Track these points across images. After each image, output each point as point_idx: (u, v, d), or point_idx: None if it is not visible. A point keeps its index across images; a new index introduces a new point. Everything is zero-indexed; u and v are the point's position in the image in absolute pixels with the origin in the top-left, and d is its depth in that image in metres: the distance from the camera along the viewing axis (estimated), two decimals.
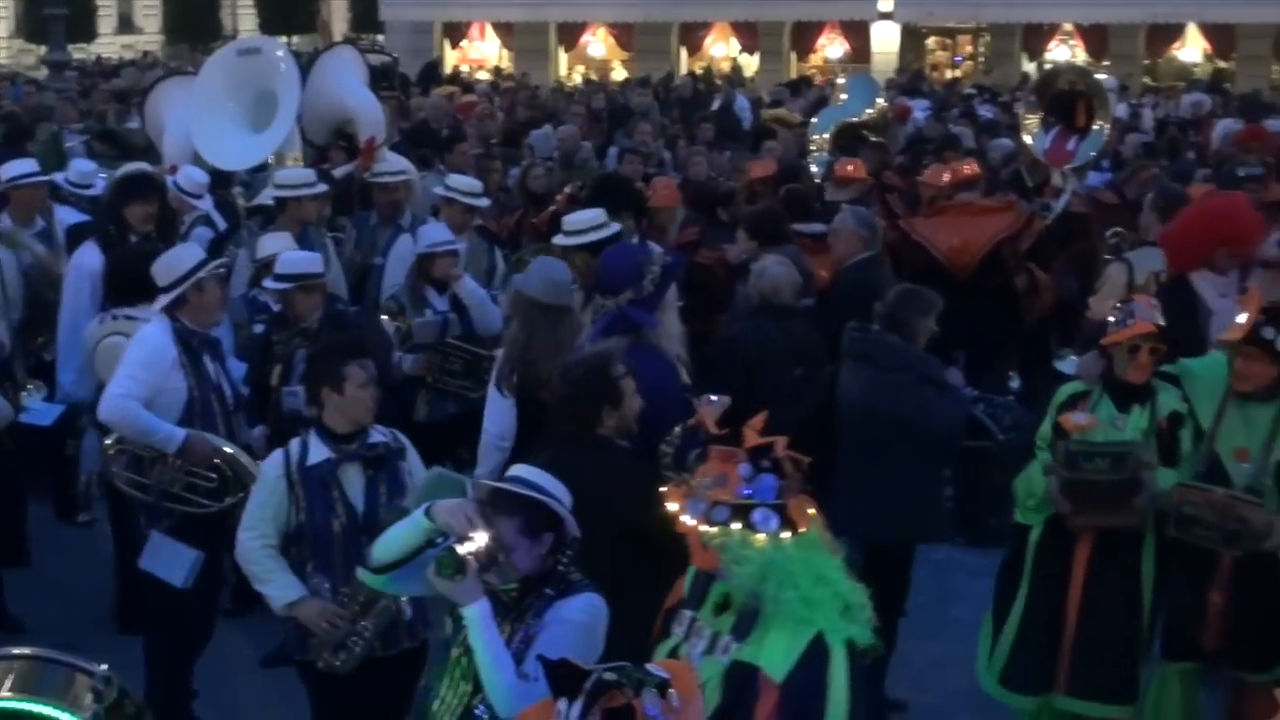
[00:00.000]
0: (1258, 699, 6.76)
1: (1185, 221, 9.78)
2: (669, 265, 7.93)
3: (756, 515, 4.58)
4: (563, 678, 3.88)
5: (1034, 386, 12.24)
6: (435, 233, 10.23)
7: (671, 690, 3.88)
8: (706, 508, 4.62)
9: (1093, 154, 14.11)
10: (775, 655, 4.57)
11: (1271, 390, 7.12)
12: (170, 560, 7.72)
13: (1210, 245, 9.27)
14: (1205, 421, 7.28)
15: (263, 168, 12.25)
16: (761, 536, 4.58)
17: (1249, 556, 7.07)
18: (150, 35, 58.17)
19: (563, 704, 3.86)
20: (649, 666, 3.96)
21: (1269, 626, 7.11)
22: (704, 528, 4.62)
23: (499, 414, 7.83)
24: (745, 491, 4.61)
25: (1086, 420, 7.34)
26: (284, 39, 40.51)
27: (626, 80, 32.21)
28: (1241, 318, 7.12)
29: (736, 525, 4.59)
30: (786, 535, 4.59)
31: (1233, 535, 7.00)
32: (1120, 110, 20.91)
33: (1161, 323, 7.31)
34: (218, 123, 11.90)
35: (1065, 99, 14.56)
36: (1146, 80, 33.60)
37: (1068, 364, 10.51)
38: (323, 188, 11.02)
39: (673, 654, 4.73)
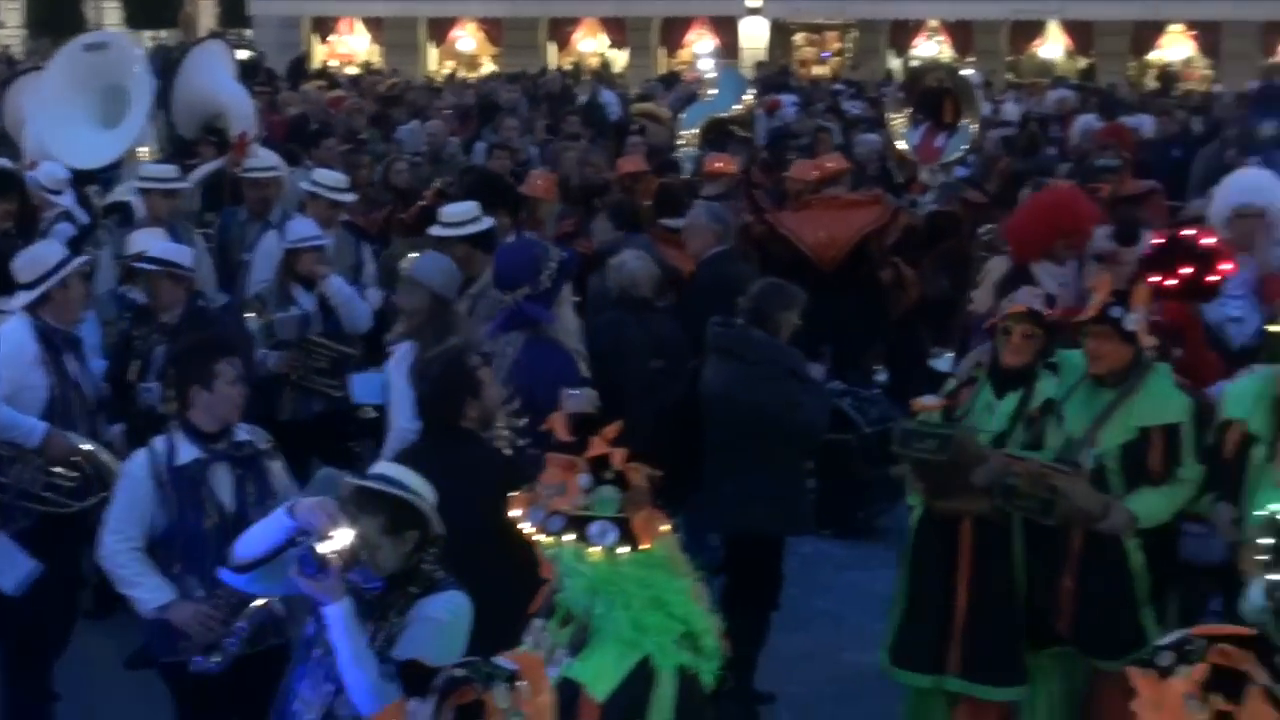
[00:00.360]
0: (1108, 685, 6.90)
1: (1026, 213, 10.06)
2: (565, 261, 8.03)
3: (593, 528, 4.39)
4: (412, 677, 3.85)
5: (900, 380, 12.38)
6: (301, 228, 10.14)
7: (521, 682, 3.87)
8: (544, 516, 4.44)
9: (963, 149, 14.30)
10: (600, 674, 4.42)
11: (1124, 374, 7.26)
12: (4, 564, 7.57)
13: (1050, 236, 9.52)
14: (1072, 411, 7.40)
15: (118, 164, 12.08)
16: (596, 550, 4.38)
17: (1095, 541, 7.21)
18: (11, 30, 57.14)
19: (414, 703, 3.82)
20: (497, 659, 3.92)
21: (1114, 612, 7.24)
22: (540, 537, 4.45)
23: (412, 406, 7.80)
24: (583, 503, 4.42)
25: (934, 402, 7.50)
26: (148, 34, 40.04)
27: (495, 75, 32.12)
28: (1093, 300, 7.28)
29: (570, 537, 4.40)
30: (624, 551, 4.40)
31: (1047, 505, 7.09)
32: (985, 108, 21.23)
33: (1037, 307, 7.44)
34: (67, 119, 11.73)
35: (933, 96, 14.74)
36: (1010, 76, 34.01)
37: (943, 362, 10.62)
38: (185, 184, 10.91)
39: None
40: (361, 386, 8.94)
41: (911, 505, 7.74)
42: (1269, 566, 6.35)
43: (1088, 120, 19.01)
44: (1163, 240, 8.77)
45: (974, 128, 15.12)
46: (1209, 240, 8.63)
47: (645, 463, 4.54)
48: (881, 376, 12.68)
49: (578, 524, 4.40)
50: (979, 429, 7.42)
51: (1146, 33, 35.77)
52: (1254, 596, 6.51)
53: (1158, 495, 7.14)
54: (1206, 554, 7.44)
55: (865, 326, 12.18)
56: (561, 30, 38.77)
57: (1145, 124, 19.71)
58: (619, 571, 4.42)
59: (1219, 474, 7.04)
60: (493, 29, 38.91)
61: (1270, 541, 6.36)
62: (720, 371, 8.12)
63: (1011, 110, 22.13)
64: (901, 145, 14.77)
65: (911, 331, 12.73)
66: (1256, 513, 6.55)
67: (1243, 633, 3.84)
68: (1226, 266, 8.36)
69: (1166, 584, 7.37)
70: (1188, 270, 8.24)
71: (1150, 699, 3.71)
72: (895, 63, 36.05)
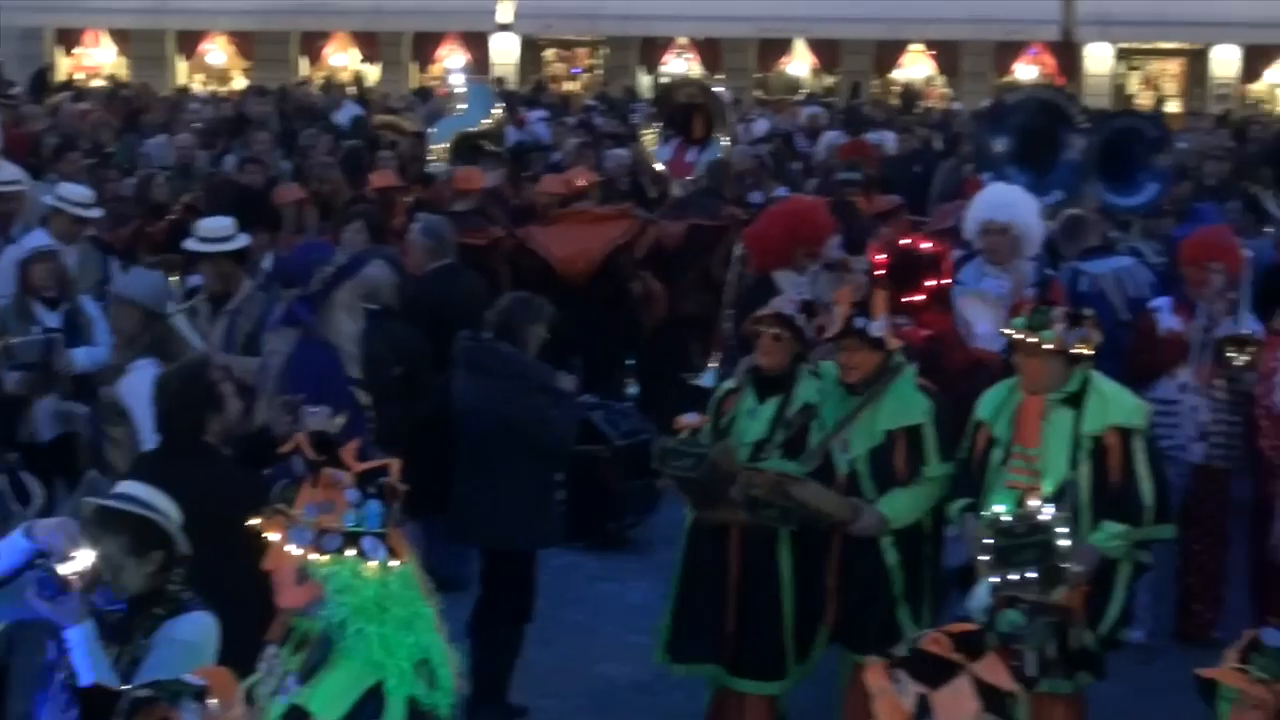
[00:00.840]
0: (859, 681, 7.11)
1: (766, 223, 10.32)
2: (344, 267, 8.18)
3: (366, 543, 4.37)
4: (94, 702, 3.78)
5: (652, 393, 12.50)
6: (34, 240, 9.96)
7: (211, 700, 3.84)
8: (314, 536, 4.38)
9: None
10: (329, 699, 4.35)
11: (872, 380, 7.49)
12: None
13: (789, 245, 9.79)
14: (828, 415, 7.66)
15: None
16: (373, 565, 4.38)
17: (853, 542, 7.49)
18: None
19: None
20: (185, 676, 3.89)
21: (872, 609, 7.49)
22: (314, 556, 4.38)
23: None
24: (353, 519, 4.39)
25: (694, 420, 7.73)
26: None
27: (245, 89, 31.67)
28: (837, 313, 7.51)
29: (351, 553, 4.37)
30: (395, 564, 4.41)
31: (787, 512, 7.40)
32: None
33: (787, 312, 7.70)
34: None
35: (684, 111, 14.94)
36: (758, 94, 34.53)
37: (707, 377, 10.78)
38: None
39: (250, 691, 4.46)
40: None
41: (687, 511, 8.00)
42: (992, 567, 6.61)
43: (833, 136, 19.42)
44: (893, 253, 9.10)
45: (725, 142, 15.38)
46: (928, 245, 9.00)
47: (399, 475, 4.54)
48: (633, 390, 12.79)
49: (352, 540, 4.38)
50: (741, 440, 7.68)
51: (889, 52, 36.62)
52: (979, 595, 6.76)
53: (906, 495, 7.44)
54: (955, 557, 7.72)
55: (616, 339, 12.28)
56: (313, 44, 38.31)
57: (888, 140, 20.19)
58: (389, 588, 4.41)
59: (969, 476, 7.30)
60: (243, 42, 38.31)
61: (992, 542, 6.63)
62: (469, 385, 8.16)
63: (761, 127, 22.47)
64: (656, 162, 14.95)
65: (663, 345, 12.87)
66: (982, 513, 6.82)
67: (965, 629, 4.08)
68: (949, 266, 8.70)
69: (922, 583, 7.63)
70: (931, 283, 8.53)
71: (875, 686, 3.97)
72: (646, 79, 36.35)
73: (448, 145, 15.71)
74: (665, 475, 7.81)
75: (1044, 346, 7.01)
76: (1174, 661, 8.35)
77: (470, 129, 16.14)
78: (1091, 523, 7.05)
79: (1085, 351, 7.09)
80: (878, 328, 7.43)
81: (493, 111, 17.20)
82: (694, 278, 12.85)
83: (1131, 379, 9.27)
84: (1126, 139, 12.97)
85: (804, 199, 11.48)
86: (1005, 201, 9.69)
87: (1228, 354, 8.84)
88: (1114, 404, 7.14)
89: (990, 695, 3.98)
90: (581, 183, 13.54)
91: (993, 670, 4.01)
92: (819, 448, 7.56)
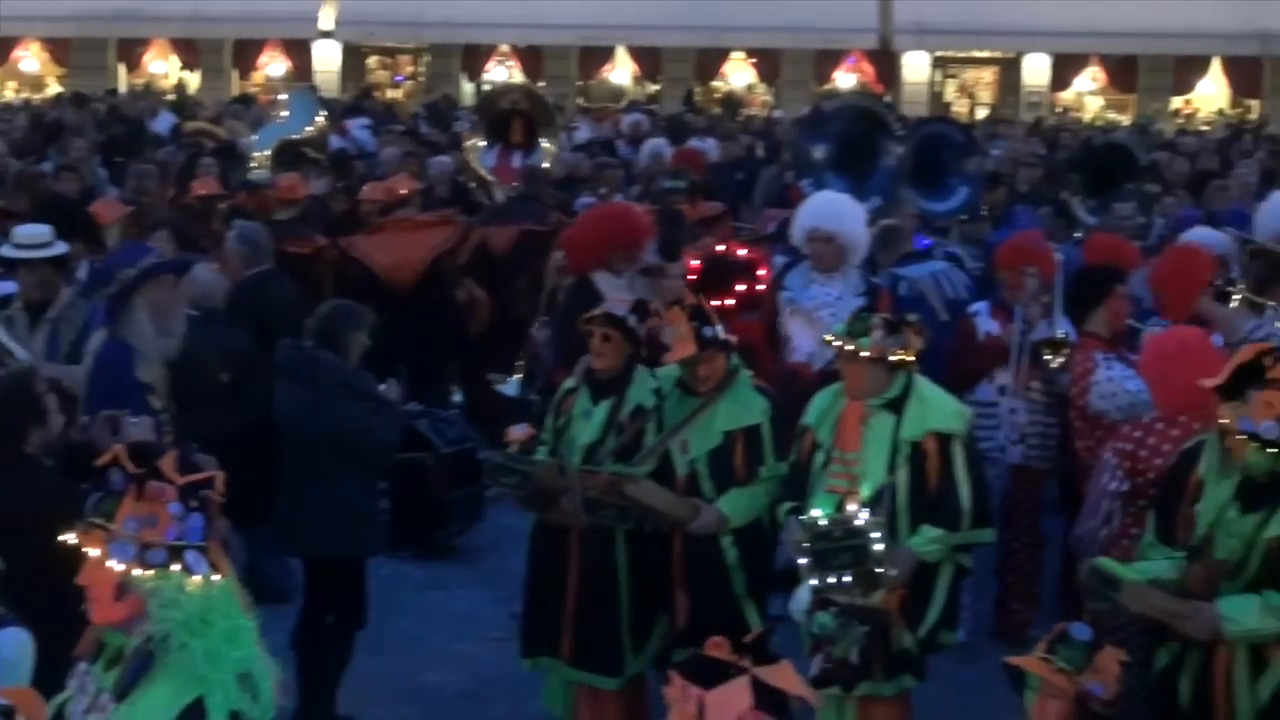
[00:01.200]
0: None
1: (583, 226, 10.40)
2: (147, 269, 8.20)
3: (189, 557, 4.30)
4: None
5: (476, 401, 12.51)
6: None
7: (18, 716, 3.79)
8: (137, 550, 4.27)
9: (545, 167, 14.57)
10: (150, 715, 4.28)
11: (721, 384, 7.57)
12: None
13: (604, 248, 9.87)
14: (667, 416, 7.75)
15: None
16: (197, 579, 4.30)
17: (694, 542, 7.58)
18: None
19: None
20: None
21: (717, 607, 7.56)
22: (137, 571, 4.29)
23: None
24: (175, 534, 4.30)
25: (522, 434, 7.80)
26: None
27: (59, 96, 31.08)
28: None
29: (175, 567, 4.29)
30: (217, 578, 4.34)
31: (624, 511, 7.51)
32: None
33: (617, 313, 7.80)
34: None
35: (506, 118, 14.95)
36: (580, 101, 34.64)
37: (509, 386, 10.78)
38: None
39: (60, 710, 4.41)
40: None
41: None
42: (809, 570, 6.70)
43: (656, 144, 19.50)
44: (707, 260, 9.20)
45: (551, 148, 15.41)
46: (742, 251, 9.12)
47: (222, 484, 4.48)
48: (458, 397, 12.78)
49: (177, 554, 4.30)
50: (574, 442, 7.77)
51: (710, 60, 36.93)
52: (800, 597, 6.85)
53: (745, 494, 7.54)
54: (784, 558, 7.82)
55: (441, 346, 12.26)
56: (131, 51, 37.70)
57: (710, 147, 20.34)
58: (212, 602, 4.34)
59: (797, 479, 7.39)
60: (59, 49, 37.60)
61: (809, 545, 6.72)
62: (291, 394, 8.09)
63: (583, 134, 22.53)
64: (480, 170, 14.94)
65: (495, 351, 12.86)
66: (800, 518, 6.91)
67: (757, 635, 4.23)
68: (763, 273, 8.80)
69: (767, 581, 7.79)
70: (741, 287, 8.62)
71: (669, 698, 4.21)
72: (468, 87, 36.29)
73: (269, 153, 15.58)
74: (498, 486, 7.95)
75: (861, 354, 7.09)
76: (993, 660, 8.49)
77: (293, 136, 16.03)
78: (910, 527, 7.11)
79: (905, 358, 7.17)
80: (719, 330, 7.51)
81: (315, 119, 17.09)
82: (526, 283, 12.87)
83: (951, 382, 9.47)
84: (935, 145, 13.20)
85: (621, 204, 11.54)
86: (832, 210, 9.81)
87: (1044, 356, 9.02)
88: (934, 409, 7.20)
89: (769, 697, 4.05)
90: (403, 190, 13.48)
91: (779, 675, 4.08)
92: (655, 448, 7.63)
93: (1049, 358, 8.92)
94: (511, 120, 15.12)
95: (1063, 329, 9.10)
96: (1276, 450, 6.12)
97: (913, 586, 7.14)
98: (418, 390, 11.49)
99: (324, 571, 8.18)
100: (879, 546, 6.74)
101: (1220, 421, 6.27)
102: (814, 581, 6.80)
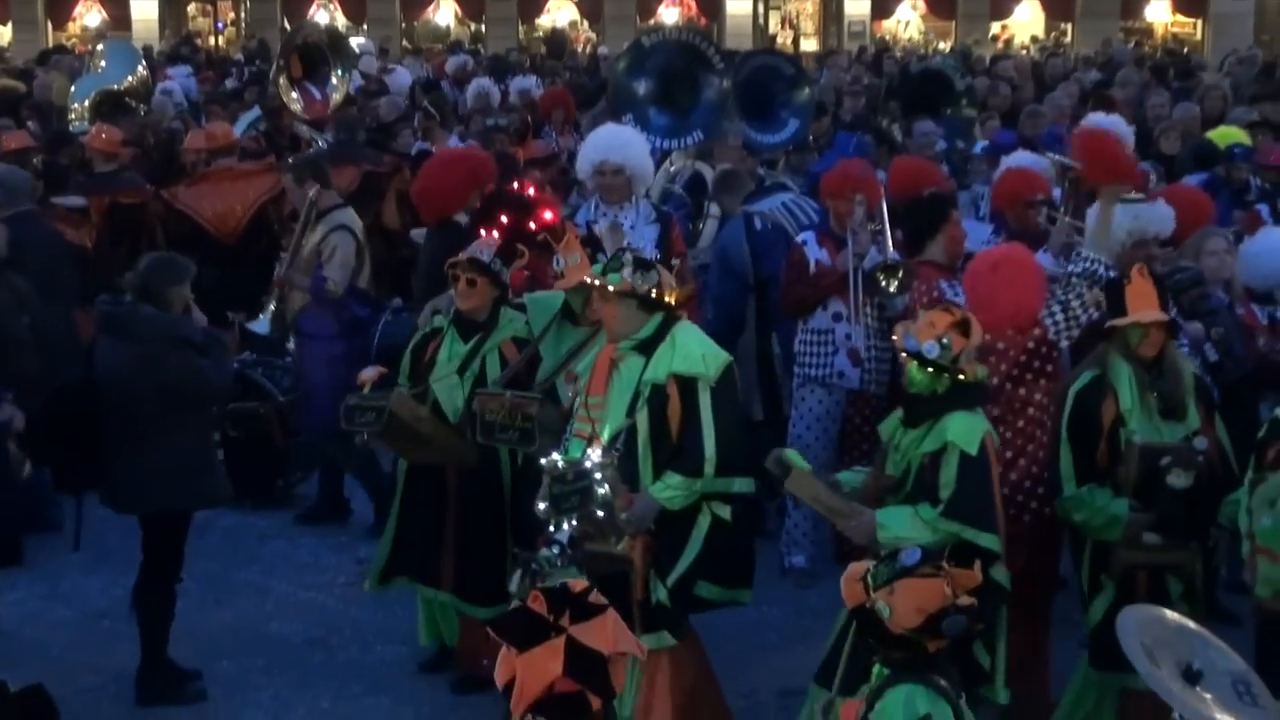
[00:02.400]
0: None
1: (436, 172, 10.37)
2: None
3: None
4: None
5: None
6: None
7: None
8: None
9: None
10: None
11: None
12: None
13: (465, 192, 9.89)
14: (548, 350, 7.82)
15: None
16: None
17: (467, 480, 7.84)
18: None
19: None
20: None
21: (487, 558, 7.82)
22: None
23: None
24: None
25: (372, 374, 7.91)
26: None
27: None
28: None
29: None
30: None
31: (526, 434, 7.50)
32: (374, 69, 21.47)
33: (481, 257, 7.89)
34: None
35: (310, 52, 14.75)
36: (405, 44, 34.34)
37: (259, 325, 10.66)
38: None
39: None
40: None
41: None
42: (548, 513, 6.63)
43: (482, 84, 19.41)
44: (490, 195, 9.32)
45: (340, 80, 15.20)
46: (530, 190, 9.18)
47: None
48: (293, 345, 12.64)
49: None
50: (439, 376, 7.85)
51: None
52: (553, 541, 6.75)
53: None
54: None
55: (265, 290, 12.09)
56: None
57: (533, 86, 20.26)
58: None
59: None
60: None
61: (546, 489, 6.68)
62: (113, 350, 7.87)
63: (404, 77, 22.29)
64: (293, 106, 14.73)
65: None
66: (541, 461, 6.85)
67: (579, 586, 4.21)
68: (548, 216, 8.82)
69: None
70: (505, 219, 8.66)
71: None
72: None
73: (87, 104, 15.29)
74: (355, 432, 7.90)
75: (610, 288, 7.05)
76: (834, 583, 8.66)
77: (112, 87, 15.74)
78: (654, 473, 7.02)
79: (665, 298, 7.11)
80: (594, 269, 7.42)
81: (136, 69, 16.78)
82: (368, 225, 12.81)
83: (787, 311, 9.60)
84: (765, 77, 13.27)
85: (472, 148, 11.48)
86: (617, 142, 9.86)
87: (880, 282, 9.13)
88: (682, 353, 7.06)
89: (583, 658, 3.99)
90: (221, 136, 13.22)
91: (594, 632, 4.03)
92: (547, 379, 7.67)
93: (884, 283, 9.03)
94: (316, 56, 14.92)
95: (894, 254, 9.23)
96: (934, 369, 6.45)
97: (665, 536, 7.07)
98: (250, 338, 11.43)
99: (161, 527, 8.07)
100: (603, 489, 6.61)
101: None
102: (553, 525, 6.78)
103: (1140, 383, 6.95)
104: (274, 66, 15.34)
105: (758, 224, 10.29)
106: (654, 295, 7.06)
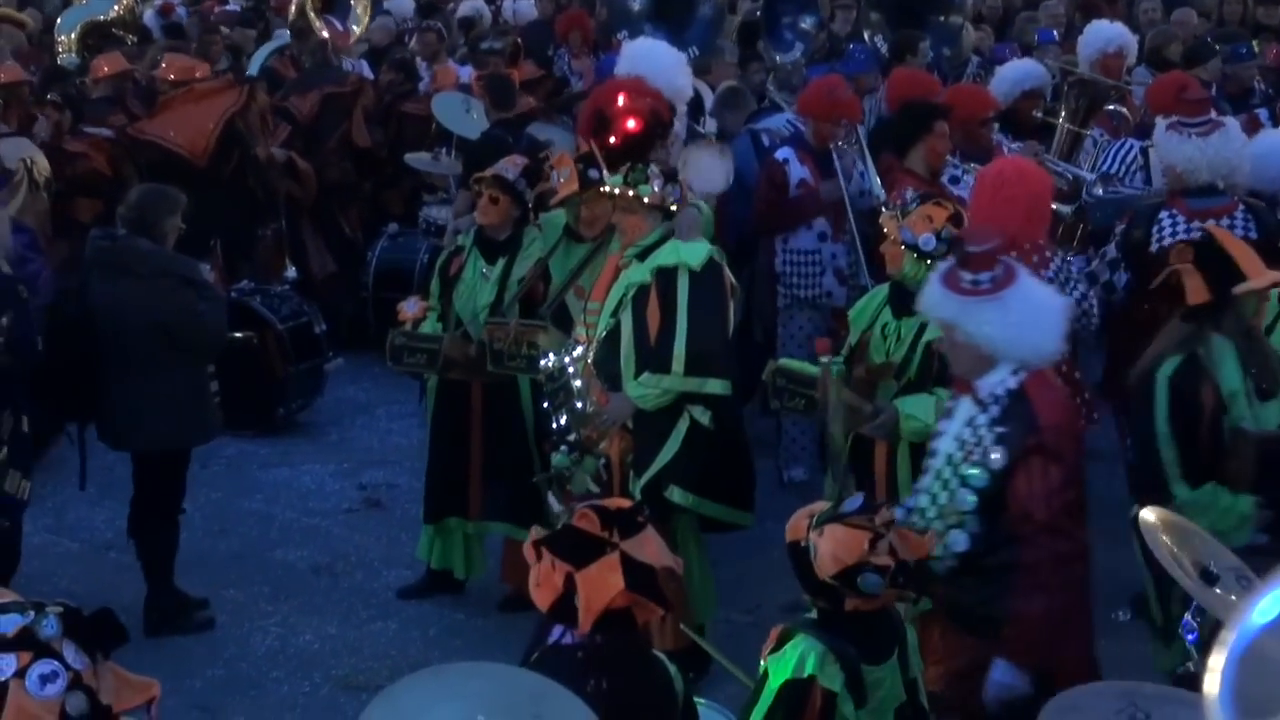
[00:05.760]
0: None
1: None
2: None
3: None
4: None
5: (308, 275, 12.37)
6: None
7: None
8: None
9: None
10: None
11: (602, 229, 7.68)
12: None
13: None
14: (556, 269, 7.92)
15: None
16: None
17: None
18: None
19: None
20: None
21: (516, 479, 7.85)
22: None
23: None
24: None
25: (415, 310, 8.09)
26: None
27: None
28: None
29: None
30: None
31: (531, 360, 7.61)
32: None
33: (506, 175, 7.99)
34: None
35: None
36: None
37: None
38: None
39: None
40: None
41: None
42: (549, 411, 6.90)
43: (475, 5, 19.18)
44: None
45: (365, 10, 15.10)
46: (620, 100, 9.08)
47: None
48: (291, 273, 12.60)
49: None
50: (477, 303, 7.94)
51: None
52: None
53: None
54: None
55: (250, 213, 12.02)
56: None
57: (526, 7, 20.00)
58: None
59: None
60: None
61: (545, 389, 6.86)
62: (109, 287, 7.80)
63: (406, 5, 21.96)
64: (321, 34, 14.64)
65: (315, 219, 12.73)
66: (540, 363, 7.23)
67: (621, 504, 4.24)
68: (631, 124, 8.73)
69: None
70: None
71: (530, 560, 4.26)
72: None
73: (75, 35, 15.15)
74: (404, 370, 8.34)
75: (644, 200, 7.07)
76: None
77: (99, 17, 15.59)
78: (635, 373, 7.05)
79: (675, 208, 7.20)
80: (612, 180, 7.37)
81: None
82: (334, 146, 12.78)
83: (762, 228, 9.56)
84: None
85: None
86: (650, 56, 9.72)
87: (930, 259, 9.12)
88: (667, 251, 7.08)
89: (638, 572, 4.06)
90: (181, 63, 12.95)
91: (642, 547, 4.08)
92: (554, 299, 7.72)
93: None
94: None
95: (876, 183, 9.23)
96: (931, 261, 6.45)
97: (642, 436, 7.13)
98: (232, 261, 11.42)
99: (154, 462, 8.07)
100: (577, 382, 6.83)
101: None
102: (555, 423, 7.02)
103: (1244, 362, 6.05)
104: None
105: (766, 141, 10.23)
106: (676, 207, 7.14)
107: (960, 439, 5.52)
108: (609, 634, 4.08)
